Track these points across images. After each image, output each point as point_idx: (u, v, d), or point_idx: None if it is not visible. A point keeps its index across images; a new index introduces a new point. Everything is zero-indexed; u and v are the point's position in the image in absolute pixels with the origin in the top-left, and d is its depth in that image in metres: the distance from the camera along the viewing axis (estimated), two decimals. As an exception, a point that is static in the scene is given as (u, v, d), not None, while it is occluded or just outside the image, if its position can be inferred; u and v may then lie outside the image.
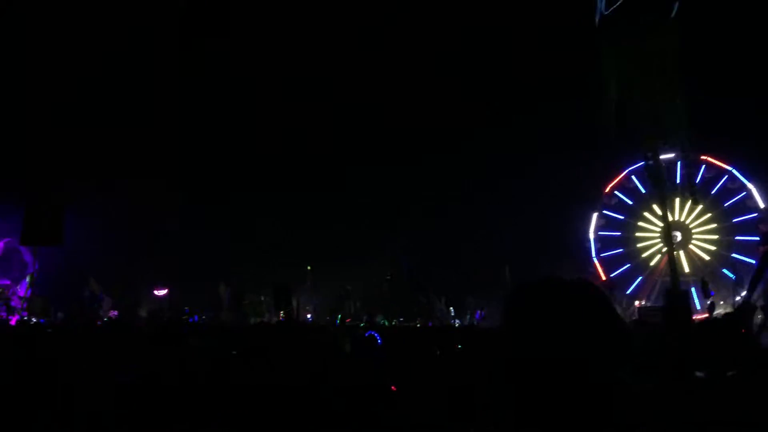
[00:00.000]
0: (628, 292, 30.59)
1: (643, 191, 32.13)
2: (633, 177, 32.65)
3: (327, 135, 34.72)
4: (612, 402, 1.45)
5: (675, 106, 12.02)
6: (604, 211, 33.23)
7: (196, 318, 24.73)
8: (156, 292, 27.82)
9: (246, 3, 32.96)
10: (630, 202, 33.09)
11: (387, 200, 33.18)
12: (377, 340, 7.83)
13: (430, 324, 26.83)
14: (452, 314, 28.90)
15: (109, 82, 31.41)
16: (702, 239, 31.34)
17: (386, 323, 25.68)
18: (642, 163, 29.61)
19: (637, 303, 28.68)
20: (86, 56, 30.64)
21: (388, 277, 26.37)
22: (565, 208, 31.56)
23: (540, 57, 30.55)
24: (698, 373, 3.69)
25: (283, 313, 23.60)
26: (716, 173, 30.57)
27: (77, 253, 27.92)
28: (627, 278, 32.08)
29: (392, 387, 5.49)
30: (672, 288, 13.49)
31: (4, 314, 22.80)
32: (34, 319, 15.39)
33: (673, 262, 14.61)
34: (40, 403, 4.83)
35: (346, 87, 33.93)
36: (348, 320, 26.22)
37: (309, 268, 28.32)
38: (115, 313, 24.09)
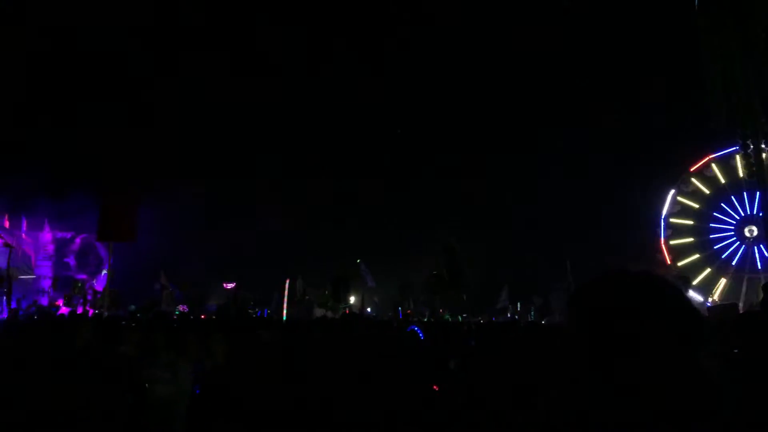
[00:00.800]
0: (694, 283, 29.72)
1: (723, 181, 31.20)
2: (713, 165, 31.71)
3: (389, 137, 35.01)
4: (690, 380, 1.41)
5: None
6: (678, 198, 32.28)
7: (266, 312, 25.24)
8: (225, 286, 28.53)
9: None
10: (707, 192, 32.22)
11: (449, 197, 33.22)
12: (419, 335, 7.64)
13: (494, 319, 26.66)
14: (518, 310, 28.66)
15: (180, 84, 32.41)
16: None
17: (449, 318, 25.59)
18: (727, 151, 29.02)
19: (709, 299, 27.77)
20: (157, 57, 31.64)
21: (434, 273, 26.22)
22: (633, 192, 30.92)
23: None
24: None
25: (344, 307, 23.85)
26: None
27: (149, 248, 29.03)
28: (693, 269, 31.24)
29: (434, 386, 5.43)
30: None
31: (81, 308, 23.87)
32: (106, 312, 16.03)
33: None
34: (119, 393, 5.06)
35: (413, 94, 34.21)
36: (409, 312, 26.22)
37: (358, 261, 28.45)
38: (185, 307, 24.75)
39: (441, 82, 34.33)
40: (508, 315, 28.33)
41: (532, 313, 28.63)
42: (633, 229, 31.45)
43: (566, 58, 32.29)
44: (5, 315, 17.96)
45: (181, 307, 24.63)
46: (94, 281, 29.85)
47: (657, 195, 32.53)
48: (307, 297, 26.45)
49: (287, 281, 23.93)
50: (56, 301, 26.06)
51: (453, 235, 23.62)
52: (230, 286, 28.59)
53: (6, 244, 24.42)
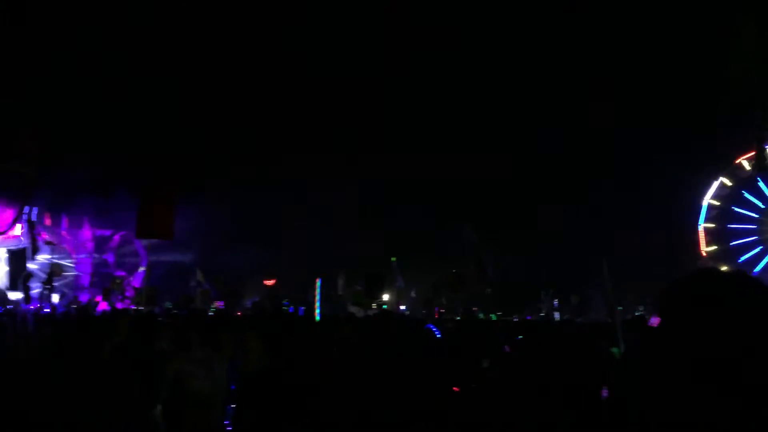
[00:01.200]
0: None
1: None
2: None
3: (424, 133, 34.98)
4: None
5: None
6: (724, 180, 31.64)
7: (301, 310, 25.38)
8: (266, 282, 28.83)
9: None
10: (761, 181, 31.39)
11: (487, 194, 33.06)
12: (435, 333, 7.50)
13: (528, 318, 26.43)
14: (554, 307, 28.41)
15: (217, 82, 32.78)
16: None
17: (482, 316, 25.41)
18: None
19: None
20: (200, 55, 32.03)
21: (454, 271, 26.03)
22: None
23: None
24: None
25: (376, 305, 23.83)
26: None
27: (185, 246, 29.52)
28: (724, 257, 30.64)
29: (455, 388, 5.34)
30: None
31: (120, 304, 24.36)
32: (142, 308, 16.34)
33: None
34: (151, 390, 5.13)
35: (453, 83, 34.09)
36: (442, 310, 26.11)
37: (393, 259, 28.37)
38: (221, 303, 25.05)
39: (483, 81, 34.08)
40: (542, 313, 28.07)
41: (567, 311, 28.34)
42: (671, 229, 30.90)
43: (603, 51, 31.82)
44: (47, 310, 18.40)
45: (217, 304, 24.92)
46: (132, 278, 30.43)
47: (695, 190, 31.99)
48: (340, 294, 26.55)
49: (318, 280, 23.98)
50: (95, 297, 26.63)
51: (472, 228, 23.35)
52: (270, 282, 28.86)
53: (48, 242, 25.14)
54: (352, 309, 25.15)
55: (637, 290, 27.46)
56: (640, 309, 29.43)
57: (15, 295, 22.20)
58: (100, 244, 32.90)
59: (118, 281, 27.24)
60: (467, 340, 7.38)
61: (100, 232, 32.85)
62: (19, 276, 16.71)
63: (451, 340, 7.22)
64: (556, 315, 27.62)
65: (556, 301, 28.68)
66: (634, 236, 29.44)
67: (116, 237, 33.16)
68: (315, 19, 32.16)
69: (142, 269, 28.91)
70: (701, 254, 30.77)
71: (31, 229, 22.17)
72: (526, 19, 32.03)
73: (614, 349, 7.26)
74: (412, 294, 30.36)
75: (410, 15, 31.23)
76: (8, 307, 19.12)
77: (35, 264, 25.35)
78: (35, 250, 23.80)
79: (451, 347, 6.87)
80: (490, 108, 34.12)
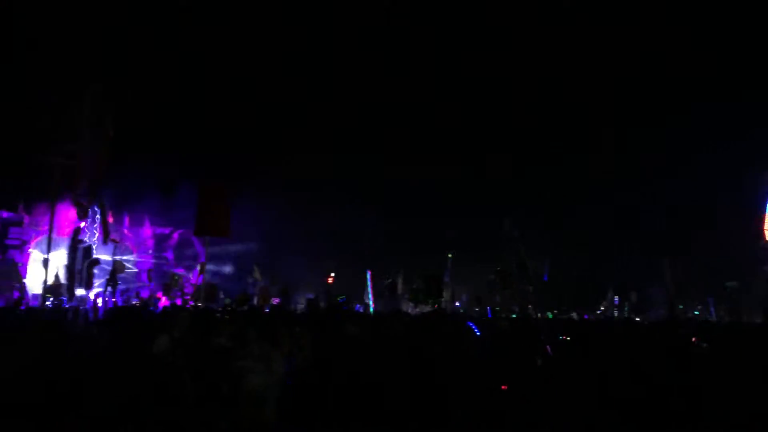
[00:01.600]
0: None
1: None
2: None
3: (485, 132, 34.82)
4: None
5: None
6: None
7: (357, 307, 25.51)
8: (329, 280, 29.06)
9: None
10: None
11: (546, 193, 32.68)
12: (475, 331, 7.35)
13: (586, 317, 25.91)
14: (614, 305, 27.80)
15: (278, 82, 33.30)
16: None
17: (539, 315, 25.00)
18: None
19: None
20: (268, 56, 32.56)
21: (498, 269, 25.55)
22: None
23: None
24: None
25: (433, 303, 23.69)
26: None
27: (243, 243, 30.01)
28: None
29: (503, 386, 5.22)
30: None
31: (179, 300, 24.90)
32: (200, 304, 16.61)
33: None
34: (214, 382, 5.21)
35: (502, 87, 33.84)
36: (497, 309, 25.80)
37: (450, 256, 28.15)
38: (277, 300, 25.30)
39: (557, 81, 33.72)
40: (601, 309, 27.52)
41: (626, 309, 27.70)
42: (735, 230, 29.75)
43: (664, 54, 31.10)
44: (110, 305, 18.92)
45: (273, 301, 25.19)
46: (191, 275, 31.07)
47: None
48: (399, 292, 26.52)
49: (368, 273, 24.07)
50: (156, 293, 27.28)
51: (516, 225, 22.95)
52: (330, 280, 29.08)
53: (112, 240, 25.84)
54: (406, 306, 25.11)
55: (697, 288, 26.67)
56: (699, 307, 28.53)
57: (80, 291, 22.94)
58: (160, 242, 33.72)
59: (176, 278, 27.84)
60: (519, 339, 7.20)
61: (159, 230, 33.68)
62: (81, 273, 17.24)
63: (499, 339, 7.06)
64: (615, 312, 27.06)
65: (616, 299, 28.05)
66: (699, 236, 28.57)
67: (175, 235, 33.93)
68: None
69: (199, 266, 29.46)
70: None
71: (105, 225, 22.89)
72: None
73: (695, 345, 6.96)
74: (466, 293, 30.14)
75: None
76: (72, 304, 19.74)
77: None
78: (107, 241, 24.51)
79: (500, 346, 6.71)
80: (570, 107, 33.77)
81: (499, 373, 5.52)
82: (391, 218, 32.91)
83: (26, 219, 28.07)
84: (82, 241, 23.35)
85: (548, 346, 6.89)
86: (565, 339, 7.66)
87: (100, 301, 19.50)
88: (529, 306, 26.38)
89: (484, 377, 5.10)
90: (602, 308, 27.33)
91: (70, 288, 20.59)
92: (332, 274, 28.04)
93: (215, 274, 30.31)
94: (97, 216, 25.81)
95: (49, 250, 8.29)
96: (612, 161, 32.53)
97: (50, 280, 24.91)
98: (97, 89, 9.06)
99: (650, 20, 30.25)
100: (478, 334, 7.35)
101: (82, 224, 29.37)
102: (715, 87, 29.91)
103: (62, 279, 23.13)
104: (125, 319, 6.80)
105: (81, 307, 16.89)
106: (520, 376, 5.64)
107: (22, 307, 16.74)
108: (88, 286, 21.65)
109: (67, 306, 17.55)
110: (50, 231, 8.30)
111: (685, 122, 30.49)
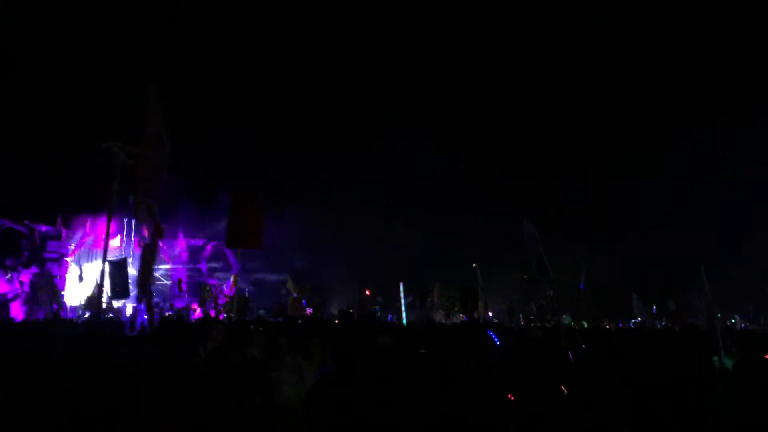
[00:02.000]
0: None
1: None
2: None
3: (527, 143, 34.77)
4: None
5: None
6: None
7: (390, 317, 25.50)
8: (366, 292, 29.19)
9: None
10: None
11: (579, 201, 32.43)
12: (494, 341, 7.26)
13: (621, 325, 25.47)
14: (653, 313, 27.31)
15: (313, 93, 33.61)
16: None
17: (573, 324, 24.72)
18: None
19: None
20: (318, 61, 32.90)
21: (525, 276, 25.19)
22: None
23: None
24: None
25: (466, 313, 23.57)
26: None
27: (276, 255, 30.24)
28: None
29: (509, 396, 5.17)
30: None
31: (213, 311, 25.14)
32: (233, 315, 16.77)
33: None
34: (248, 393, 5.26)
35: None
36: (531, 317, 25.59)
37: (474, 265, 28.02)
38: (310, 310, 25.43)
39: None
40: (637, 320, 27.03)
41: (663, 319, 27.18)
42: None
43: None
44: (145, 318, 19.18)
45: (307, 311, 25.30)
46: (224, 286, 31.39)
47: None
48: (429, 300, 26.48)
49: (400, 284, 24.07)
50: (191, 304, 27.60)
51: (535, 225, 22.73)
52: (367, 292, 29.19)
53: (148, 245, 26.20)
54: (436, 315, 25.02)
55: (733, 298, 26.15)
56: (735, 317, 27.86)
57: (117, 304, 23.34)
58: (194, 254, 34.15)
59: (208, 288, 28.14)
60: (544, 347, 7.08)
61: (193, 242, 34.12)
62: (118, 285, 17.51)
63: (524, 347, 6.97)
64: (651, 321, 26.57)
65: (654, 308, 27.54)
66: (734, 245, 28.06)
67: (208, 247, 34.34)
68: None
69: (231, 278, 29.77)
70: None
71: (157, 224, 23.34)
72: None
73: (714, 358, 6.80)
74: (499, 306, 29.93)
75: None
76: (109, 315, 20.07)
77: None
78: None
79: (523, 355, 6.62)
80: (610, 113, 33.58)
81: (512, 382, 5.49)
82: (422, 227, 32.94)
83: (64, 233, 28.65)
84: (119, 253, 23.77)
85: (569, 353, 6.81)
86: (585, 346, 7.54)
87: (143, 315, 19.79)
88: (563, 316, 26.12)
89: (495, 386, 5.08)
90: (639, 318, 26.85)
91: (109, 299, 20.96)
92: (368, 290, 28.13)
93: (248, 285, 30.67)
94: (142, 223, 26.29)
95: (105, 258, 8.37)
96: (663, 164, 32.15)
97: (88, 293, 25.46)
98: (154, 88, 9.23)
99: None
100: (498, 343, 7.29)
101: (118, 237, 29.91)
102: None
103: (102, 290, 23.54)
104: (177, 333, 6.87)
105: (121, 319, 17.17)
106: (534, 385, 5.59)
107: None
108: (125, 297, 22.04)
109: (103, 318, 17.86)
110: (107, 235, 8.36)
111: (734, 122, 30.01)
